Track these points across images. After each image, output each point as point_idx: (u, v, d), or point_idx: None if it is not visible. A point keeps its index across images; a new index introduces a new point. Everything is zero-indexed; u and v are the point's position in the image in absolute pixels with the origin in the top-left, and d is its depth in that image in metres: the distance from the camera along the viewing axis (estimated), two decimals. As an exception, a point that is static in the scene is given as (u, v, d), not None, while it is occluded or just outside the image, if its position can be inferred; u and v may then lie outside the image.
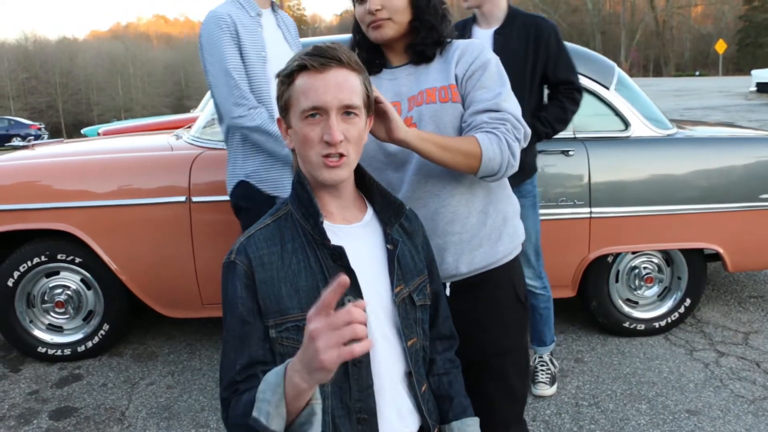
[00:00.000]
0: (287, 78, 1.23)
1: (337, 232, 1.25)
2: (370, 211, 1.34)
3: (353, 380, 1.22)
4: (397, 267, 1.29)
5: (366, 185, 1.36)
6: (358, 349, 0.92)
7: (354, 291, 1.22)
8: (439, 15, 1.58)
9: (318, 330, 0.94)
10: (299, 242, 1.24)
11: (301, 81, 1.20)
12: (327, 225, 1.25)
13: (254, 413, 1.02)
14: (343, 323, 0.93)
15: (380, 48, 1.64)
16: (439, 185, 1.56)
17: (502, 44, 2.65)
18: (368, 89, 1.27)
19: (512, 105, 1.55)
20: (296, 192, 1.28)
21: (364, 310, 0.97)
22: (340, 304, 1.18)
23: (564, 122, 2.73)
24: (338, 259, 1.22)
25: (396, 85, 1.61)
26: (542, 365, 3.00)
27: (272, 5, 2.62)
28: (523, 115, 2.65)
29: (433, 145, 1.43)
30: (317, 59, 1.19)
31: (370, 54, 1.64)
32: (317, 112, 1.19)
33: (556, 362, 3.07)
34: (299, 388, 0.99)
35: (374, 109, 1.33)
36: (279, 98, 1.26)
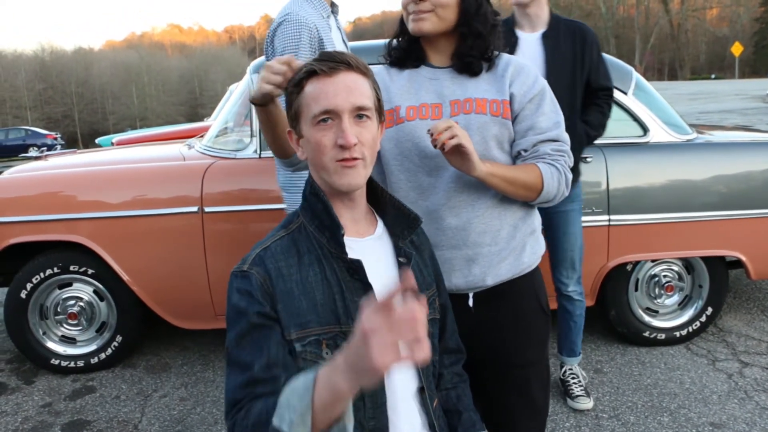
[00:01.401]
0: (296, 87, 1.21)
1: (351, 246, 1.22)
2: (380, 224, 1.31)
3: (368, 397, 1.18)
4: None
5: (377, 197, 1.32)
6: (420, 354, 0.82)
7: None
8: (489, 24, 1.54)
9: (373, 327, 0.82)
10: (315, 255, 1.20)
11: (311, 87, 1.18)
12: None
13: (275, 421, 0.93)
14: (404, 321, 0.82)
15: (420, 42, 1.59)
16: (475, 195, 1.53)
17: (551, 48, 2.64)
18: (378, 93, 1.25)
19: (566, 134, 1.58)
20: (310, 204, 1.24)
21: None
22: (357, 319, 1.15)
23: (604, 128, 2.78)
24: (355, 273, 1.18)
25: (438, 85, 1.56)
26: (573, 377, 2.94)
27: (332, 5, 2.52)
28: (574, 121, 2.65)
29: (502, 180, 1.47)
30: (326, 63, 1.17)
31: (410, 46, 1.59)
32: (329, 116, 1.17)
33: (584, 372, 3.01)
34: (337, 392, 0.87)
35: (454, 148, 1.37)
36: (288, 108, 1.23)
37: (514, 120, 1.53)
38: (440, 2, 1.49)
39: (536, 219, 1.66)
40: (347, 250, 1.19)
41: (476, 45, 1.52)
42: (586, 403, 2.83)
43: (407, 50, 1.59)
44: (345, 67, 1.18)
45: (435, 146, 1.37)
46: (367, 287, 1.18)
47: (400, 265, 1.26)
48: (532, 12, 2.68)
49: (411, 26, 1.54)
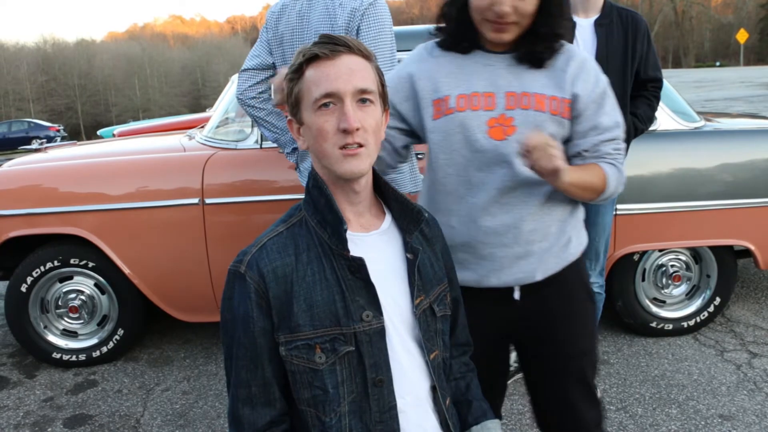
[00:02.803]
0: (296, 73, 1.16)
1: (355, 241, 1.16)
2: (388, 217, 1.25)
3: (373, 401, 1.14)
4: (417, 277, 1.21)
5: (380, 190, 1.26)
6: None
7: (374, 305, 1.14)
8: (570, 23, 1.49)
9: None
10: (314, 252, 1.15)
11: (311, 72, 1.13)
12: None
13: None
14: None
15: (474, 26, 1.48)
16: (527, 192, 1.47)
17: (604, 36, 2.59)
18: (381, 78, 1.20)
19: (624, 133, 1.56)
20: (312, 197, 1.19)
21: None
22: (359, 320, 1.13)
23: (652, 121, 2.72)
24: (357, 271, 1.14)
25: (492, 74, 1.48)
26: None
27: None
28: (623, 113, 2.58)
29: (578, 188, 1.43)
30: (326, 47, 1.12)
31: (462, 30, 1.49)
32: (331, 100, 1.12)
33: None
34: None
35: (547, 161, 1.32)
36: (288, 95, 1.18)
37: (573, 119, 1.48)
38: (525, 12, 1.41)
39: (581, 212, 1.63)
40: (350, 245, 1.14)
41: (551, 45, 1.46)
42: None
43: (458, 36, 1.50)
44: (346, 50, 1.13)
45: (530, 167, 1.33)
46: (369, 286, 1.14)
47: (408, 261, 1.21)
48: None
49: (491, 36, 1.44)
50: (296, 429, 1.19)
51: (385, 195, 1.26)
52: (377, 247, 1.20)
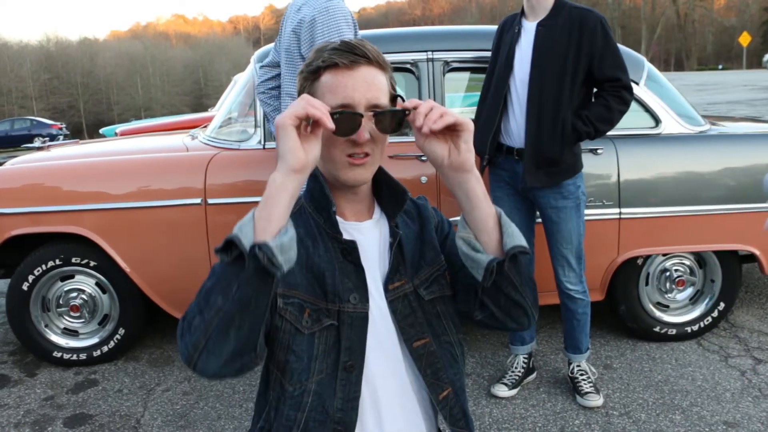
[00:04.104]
0: (312, 74, 1.18)
1: (348, 229, 1.23)
2: (377, 208, 1.30)
3: (340, 385, 1.16)
4: (400, 260, 1.24)
5: (375, 179, 1.28)
6: (312, 110, 1.02)
7: (362, 288, 1.19)
8: None
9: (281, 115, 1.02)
10: (311, 235, 1.21)
11: (328, 78, 1.16)
12: (339, 221, 1.22)
13: (232, 231, 1.00)
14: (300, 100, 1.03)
15: None
16: None
17: (543, 36, 2.56)
18: (393, 86, 1.22)
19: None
20: (308, 187, 1.25)
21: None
22: (346, 301, 1.18)
23: (608, 121, 2.59)
24: (348, 254, 1.20)
25: None
26: (582, 374, 2.87)
27: None
28: (564, 112, 2.53)
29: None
30: (347, 56, 1.15)
31: None
32: (344, 110, 1.14)
33: (593, 369, 2.96)
34: (273, 181, 1.02)
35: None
36: (299, 90, 1.22)
37: None
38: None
39: None
40: (345, 235, 1.21)
41: None
42: (596, 400, 2.77)
43: None
44: (365, 61, 1.16)
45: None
46: (359, 270, 1.19)
47: (391, 246, 1.25)
48: (534, 0, 2.62)
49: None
50: (262, 389, 1.25)
51: (377, 180, 1.27)
52: (368, 235, 1.25)
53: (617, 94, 2.57)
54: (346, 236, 1.20)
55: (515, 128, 2.70)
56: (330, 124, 1.03)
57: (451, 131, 1.12)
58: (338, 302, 1.17)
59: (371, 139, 1.15)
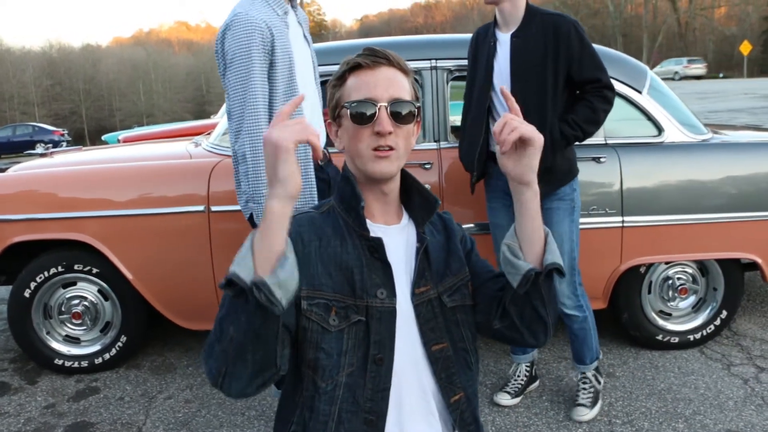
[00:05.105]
0: (339, 80, 1.26)
1: (375, 230, 1.27)
2: (405, 215, 1.35)
3: (369, 378, 1.19)
4: (426, 266, 1.28)
5: (405, 186, 1.34)
6: (312, 137, 1.04)
7: (389, 286, 1.23)
8: None
9: (271, 129, 1.03)
10: (339, 234, 1.26)
11: (353, 80, 1.25)
12: (367, 223, 1.27)
13: (229, 269, 1.03)
14: (293, 123, 1.04)
15: None
16: None
17: (519, 48, 2.53)
18: (416, 92, 1.28)
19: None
20: (339, 189, 1.30)
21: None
22: (373, 296, 1.21)
23: (595, 122, 2.55)
24: (375, 251, 1.24)
25: None
26: (584, 382, 2.82)
27: (290, 0, 2.37)
28: (550, 121, 2.51)
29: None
30: (368, 57, 1.24)
31: None
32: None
33: (600, 378, 2.88)
34: (271, 211, 1.03)
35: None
36: (330, 100, 1.28)
37: None
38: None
39: None
40: (372, 234, 1.25)
41: None
42: (583, 415, 2.71)
43: None
44: (386, 62, 1.24)
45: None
46: (386, 267, 1.23)
47: (417, 251, 1.29)
48: (506, 10, 2.56)
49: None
50: (288, 394, 1.26)
51: (408, 188, 1.33)
52: (395, 239, 1.29)
53: (600, 94, 2.54)
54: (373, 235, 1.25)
55: None
56: (319, 154, 1.11)
57: (522, 143, 1.19)
58: (366, 297, 1.21)
59: (394, 134, 1.21)
